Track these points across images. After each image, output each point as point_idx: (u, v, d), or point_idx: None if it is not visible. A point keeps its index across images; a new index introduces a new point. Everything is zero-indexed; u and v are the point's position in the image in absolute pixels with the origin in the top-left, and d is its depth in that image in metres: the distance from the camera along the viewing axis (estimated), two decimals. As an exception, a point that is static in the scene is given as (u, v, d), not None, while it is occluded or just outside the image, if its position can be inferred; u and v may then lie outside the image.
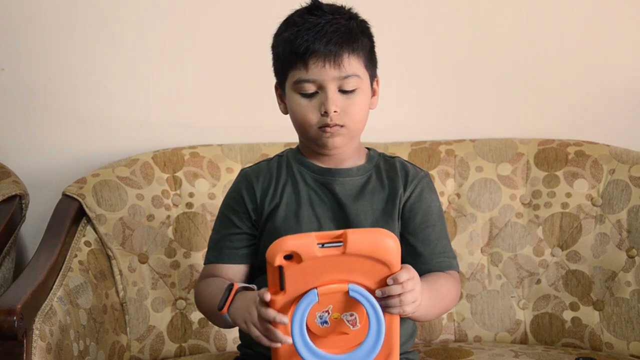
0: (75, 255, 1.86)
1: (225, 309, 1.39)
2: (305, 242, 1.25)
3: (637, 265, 1.95)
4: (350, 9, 1.52)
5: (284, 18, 1.53)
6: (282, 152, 1.60)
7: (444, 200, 2.02)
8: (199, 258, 1.99)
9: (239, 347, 1.61)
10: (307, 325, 1.28)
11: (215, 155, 2.07)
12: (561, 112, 2.21)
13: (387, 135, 2.07)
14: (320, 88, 1.46)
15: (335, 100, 1.45)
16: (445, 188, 2.04)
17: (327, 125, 1.47)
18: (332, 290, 1.28)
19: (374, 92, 1.54)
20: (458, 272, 1.56)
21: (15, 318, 1.46)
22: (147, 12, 2.17)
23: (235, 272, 1.54)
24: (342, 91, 1.47)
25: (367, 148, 1.60)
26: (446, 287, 1.49)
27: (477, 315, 2.00)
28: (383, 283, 1.29)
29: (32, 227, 2.12)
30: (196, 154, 2.06)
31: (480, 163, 2.05)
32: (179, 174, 2.04)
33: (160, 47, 2.18)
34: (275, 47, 1.53)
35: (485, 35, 2.19)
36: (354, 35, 1.47)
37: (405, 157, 2.05)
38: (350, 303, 1.29)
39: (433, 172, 2.03)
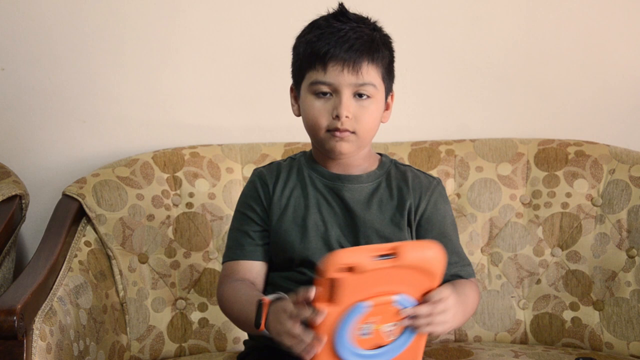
0: (75, 255, 1.86)
1: (262, 327, 1.38)
2: (360, 255, 1.26)
3: (637, 265, 1.95)
4: (375, 21, 1.53)
5: (293, 20, 1.54)
6: (295, 155, 1.61)
7: (444, 200, 2.02)
8: (199, 258, 1.99)
9: (245, 342, 1.62)
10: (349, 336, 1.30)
11: (215, 155, 2.07)
12: (561, 112, 2.21)
13: (387, 135, 2.06)
14: (335, 92, 1.47)
15: (348, 106, 1.46)
16: (445, 188, 2.03)
17: (337, 130, 1.47)
18: (380, 302, 1.29)
19: (387, 107, 1.55)
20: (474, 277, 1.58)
21: (15, 318, 1.46)
22: (147, 13, 2.17)
23: (257, 270, 1.55)
24: (356, 98, 1.47)
25: (379, 154, 1.60)
26: (472, 298, 1.51)
27: (477, 315, 2.00)
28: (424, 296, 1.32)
29: (32, 227, 2.12)
30: (196, 154, 2.06)
31: (480, 163, 2.05)
32: (179, 174, 2.04)
33: (160, 47, 2.18)
34: (296, 47, 1.54)
35: (485, 35, 2.19)
36: (376, 46, 1.48)
37: (405, 157, 2.05)
38: (393, 315, 1.31)
39: (433, 172, 2.03)
